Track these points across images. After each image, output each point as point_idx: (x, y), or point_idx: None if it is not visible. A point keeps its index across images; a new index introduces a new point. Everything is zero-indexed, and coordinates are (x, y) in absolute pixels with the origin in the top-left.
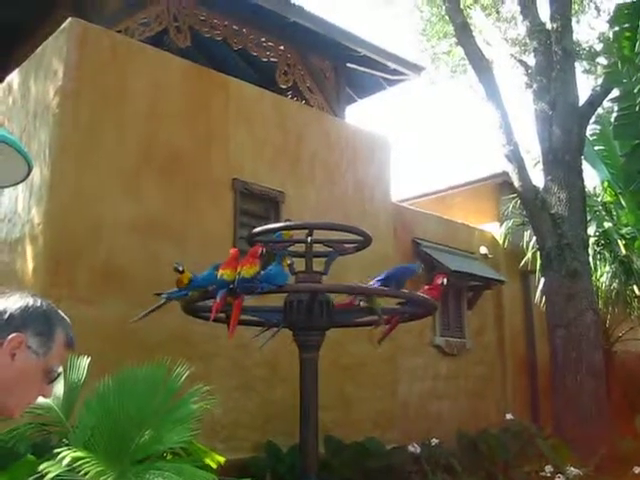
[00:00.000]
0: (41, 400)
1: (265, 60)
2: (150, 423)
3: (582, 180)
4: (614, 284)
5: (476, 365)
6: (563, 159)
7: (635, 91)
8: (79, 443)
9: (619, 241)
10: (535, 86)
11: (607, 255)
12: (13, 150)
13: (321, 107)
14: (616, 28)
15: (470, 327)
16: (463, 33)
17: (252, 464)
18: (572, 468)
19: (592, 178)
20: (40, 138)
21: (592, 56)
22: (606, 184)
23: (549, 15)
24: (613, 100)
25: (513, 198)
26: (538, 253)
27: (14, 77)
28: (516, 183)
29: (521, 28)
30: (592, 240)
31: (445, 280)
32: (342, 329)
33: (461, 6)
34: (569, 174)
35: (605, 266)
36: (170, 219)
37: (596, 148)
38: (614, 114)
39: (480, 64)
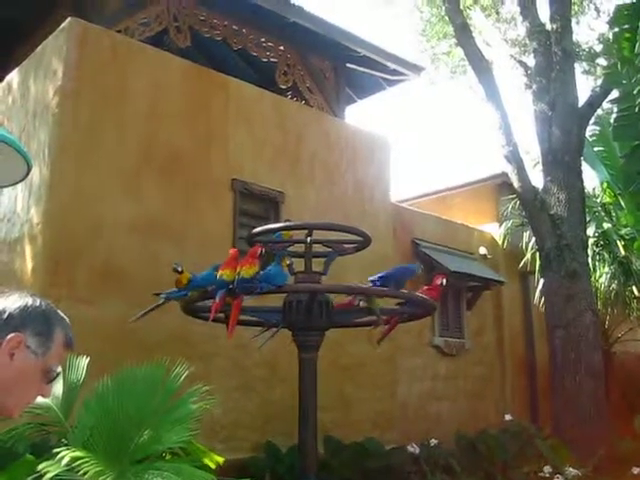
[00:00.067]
0: (40, 400)
1: (265, 60)
2: (149, 423)
3: (581, 181)
4: (613, 285)
5: (475, 365)
6: (562, 160)
7: (635, 92)
8: (78, 443)
9: (618, 242)
10: (535, 87)
11: (606, 256)
12: (12, 149)
13: (321, 107)
14: (616, 29)
15: (469, 327)
16: (463, 34)
17: (251, 464)
18: (571, 469)
19: (591, 179)
20: (40, 138)
21: (592, 57)
22: (605, 185)
23: (549, 16)
24: (613, 101)
25: (512, 199)
26: (537, 254)
27: (14, 76)
28: (515, 184)
29: (521, 29)
30: (591, 241)
31: (444, 280)
32: (341, 329)
33: (461, 7)
34: (568, 175)
35: (604, 267)
36: (170, 219)
37: (596, 149)
38: (614, 115)
39: (480, 65)
